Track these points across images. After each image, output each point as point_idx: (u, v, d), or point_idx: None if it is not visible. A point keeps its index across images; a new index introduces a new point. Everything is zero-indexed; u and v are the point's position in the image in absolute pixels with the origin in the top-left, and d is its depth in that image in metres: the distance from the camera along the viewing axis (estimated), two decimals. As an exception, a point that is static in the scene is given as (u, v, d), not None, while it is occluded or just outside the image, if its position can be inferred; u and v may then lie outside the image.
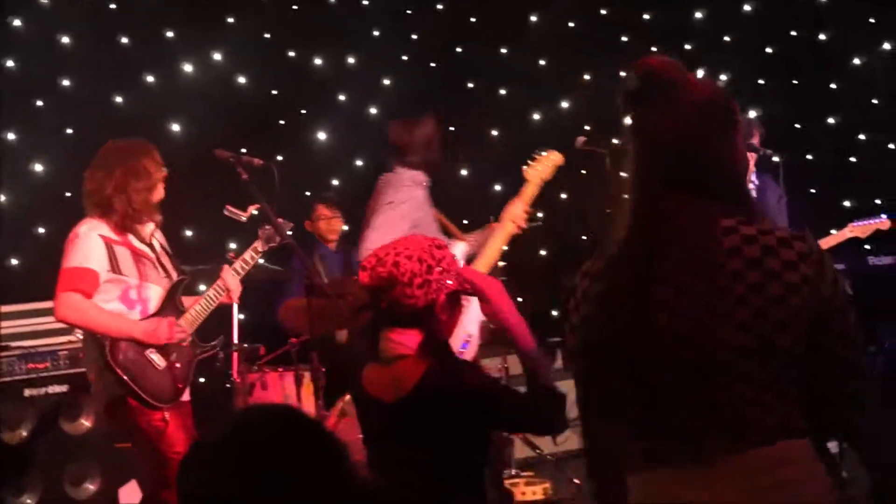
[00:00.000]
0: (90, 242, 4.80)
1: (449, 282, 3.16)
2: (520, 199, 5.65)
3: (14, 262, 7.11)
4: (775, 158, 6.68)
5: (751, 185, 6.86)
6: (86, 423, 6.09)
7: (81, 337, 5.06)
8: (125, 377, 4.75)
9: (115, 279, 4.84)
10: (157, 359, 4.90)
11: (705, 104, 2.53)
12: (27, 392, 6.00)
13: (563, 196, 8.87)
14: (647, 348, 2.41)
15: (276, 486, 1.70)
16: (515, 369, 7.39)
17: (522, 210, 5.62)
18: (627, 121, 2.59)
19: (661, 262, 2.42)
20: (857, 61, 9.14)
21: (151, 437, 4.81)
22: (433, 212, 5.74)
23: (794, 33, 9.40)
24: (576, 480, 6.63)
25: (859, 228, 6.69)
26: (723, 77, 9.14)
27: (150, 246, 5.06)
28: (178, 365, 4.99)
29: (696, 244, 2.42)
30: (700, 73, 9.04)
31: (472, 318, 5.42)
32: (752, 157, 6.73)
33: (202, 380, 7.36)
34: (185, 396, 5.02)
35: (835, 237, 6.68)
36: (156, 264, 5.04)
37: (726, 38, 9.28)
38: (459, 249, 5.67)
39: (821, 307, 2.40)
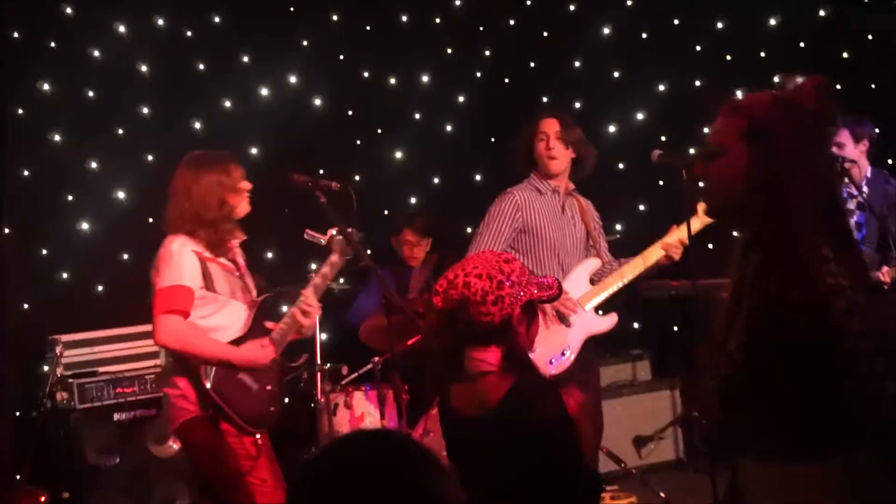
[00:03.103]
0: (184, 258, 4.68)
1: (521, 293, 3.19)
2: (678, 230, 5.52)
3: (100, 288, 7.23)
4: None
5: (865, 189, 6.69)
6: (174, 445, 6.16)
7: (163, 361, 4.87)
8: (221, 403, 4.65)
9: (209, 296, 4.74)
10: (250, 381, 4.79)
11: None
12: (116, 416, 6.11)
13: (641, 208, 8.83)
14: None
15: None
16: (643, 375, 7.80)
17: (678, 241, 5.50)
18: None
19: None
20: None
21: (239, 462, 4.69)
22: (573, 220, 5.72)
23: (870, 37, 9.26)
24: (661, 494, 6.59)
25: None
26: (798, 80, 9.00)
27: (234, 262, 4.96)
28: (268, 388, 4.89)
29: None
30: (776, 80, 8.93)
31: (575, 331, 5.42)
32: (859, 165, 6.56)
33: (286, 400, 7.44)
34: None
35: None
36: (242, 281, 4.96)
37: (801, 45, 9.16)
38: (591, 266, 5.64)
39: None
